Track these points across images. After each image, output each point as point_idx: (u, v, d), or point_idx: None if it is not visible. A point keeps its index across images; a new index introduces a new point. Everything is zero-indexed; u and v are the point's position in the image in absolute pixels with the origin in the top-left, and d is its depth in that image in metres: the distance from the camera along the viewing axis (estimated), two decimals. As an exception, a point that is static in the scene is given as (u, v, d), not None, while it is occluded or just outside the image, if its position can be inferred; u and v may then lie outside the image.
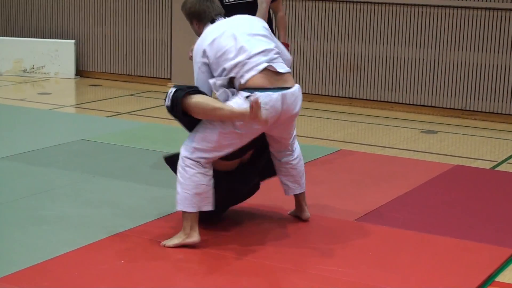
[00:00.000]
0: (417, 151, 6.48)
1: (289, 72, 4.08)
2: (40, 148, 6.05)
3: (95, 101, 8.66)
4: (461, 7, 7.91)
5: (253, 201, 4.58)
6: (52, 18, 10.26)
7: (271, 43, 4.10)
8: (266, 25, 4.24)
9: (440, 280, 3.73)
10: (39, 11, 10.34)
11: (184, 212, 4.03)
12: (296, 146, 4.38)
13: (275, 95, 3.94)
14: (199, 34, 4.18)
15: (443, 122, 7.75)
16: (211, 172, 4.04)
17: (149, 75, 9.75)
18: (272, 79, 3.98)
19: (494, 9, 7.78)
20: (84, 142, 6.31)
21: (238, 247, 4.06)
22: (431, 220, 4.60)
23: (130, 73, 9.87)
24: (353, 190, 5.19)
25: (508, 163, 6.17)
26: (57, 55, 9.88)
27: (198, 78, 4.04)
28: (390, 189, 5.20)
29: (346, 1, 8.43)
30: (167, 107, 3.97)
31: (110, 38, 9.93)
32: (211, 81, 3.98)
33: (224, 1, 5.35)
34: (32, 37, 10.27)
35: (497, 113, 7.91)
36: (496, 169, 5.97)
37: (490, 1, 7.79)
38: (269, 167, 4.40)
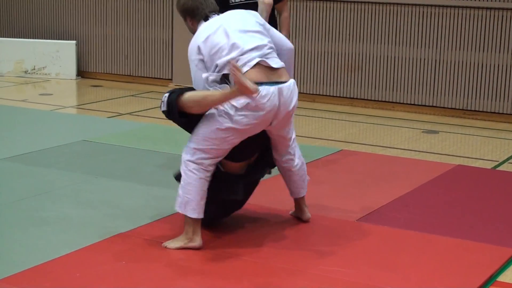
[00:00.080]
0: (418, 151, 6.48)
1: (283, 67, 4.08)
2: (41, 149, 6.05)
3: (96, 101, 8.66)
4: (463, 7, 7.91)
5: (254, 201, 4.57)
6: (53, 19, 10.26)
7: (264, 39, 4.08)
8: (261, 19, 4.22)
9: (441, 280, 3.73)
10: (40, 12, 10.34)
11: (186, 216, 4.03)
12: (297, 151, 4.37)
13: (272, 88, 3.95)
14: (192, 31, 4.18)
15: (445, 122, 7.74)
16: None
17: (150, 76, 9.75)
18: (267, 73, 3.98)
19: (496, 8, 7.77)
20: (85, 143, 6.30)
21: (239, 248, 4.06)
22: (432, 220, 4.60)
23: (131, 74, 9.87)
24: (354, 190, 5.18)
25: (509, 163, 6.16)
26: (58, 55, 9.88)
27: (196, 75, 4.03)
28: (391, 189, 5.20)
29: (348, 1, 8.42)
30: (164, 112, 3.98)
31: (111, 38, 9.93)
32: (204, 75, 3.97)
33: (230, 1, 5.26)
34: (33, 38, 10.27)
35: (499, 113, 7.90)
36: (497, 169, 5.96)
37: (493, 0, 7.79)
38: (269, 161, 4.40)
